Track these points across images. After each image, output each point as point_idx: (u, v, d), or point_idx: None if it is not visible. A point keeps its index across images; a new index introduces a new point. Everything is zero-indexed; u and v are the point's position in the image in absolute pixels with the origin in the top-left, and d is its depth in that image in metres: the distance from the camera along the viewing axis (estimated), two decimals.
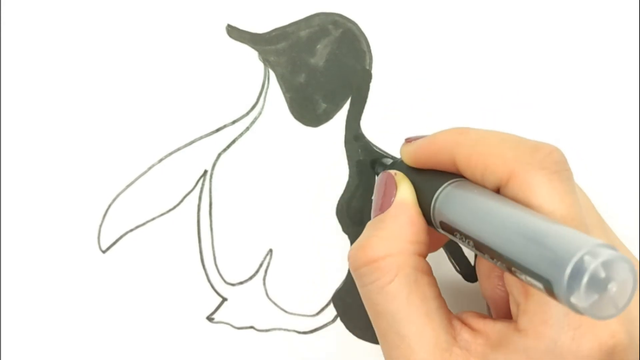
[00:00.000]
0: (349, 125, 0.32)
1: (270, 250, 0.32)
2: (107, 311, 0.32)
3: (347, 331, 0.32)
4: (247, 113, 0.32)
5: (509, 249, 0.19)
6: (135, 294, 0.32)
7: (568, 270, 0.17)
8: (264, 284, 0.32)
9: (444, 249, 0.32)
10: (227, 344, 0.32)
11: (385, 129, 0.32)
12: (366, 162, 0.32)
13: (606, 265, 0.17)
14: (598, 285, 0.17)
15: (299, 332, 0.32)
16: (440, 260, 0.32)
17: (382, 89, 0.32)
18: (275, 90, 0.32)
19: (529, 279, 0.18)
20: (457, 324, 0.23)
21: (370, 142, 0.32)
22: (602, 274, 0.17)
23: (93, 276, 0.32)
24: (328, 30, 0.32)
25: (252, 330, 0.32)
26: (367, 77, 0.32)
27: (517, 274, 0.19)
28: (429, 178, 0.25)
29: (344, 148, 0.32)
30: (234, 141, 0.32)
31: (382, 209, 0.25)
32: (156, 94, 0.31)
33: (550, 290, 0.17)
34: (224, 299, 0.32)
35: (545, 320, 0.21)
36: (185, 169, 0.32)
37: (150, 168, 0.32)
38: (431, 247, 0.26)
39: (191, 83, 0.32)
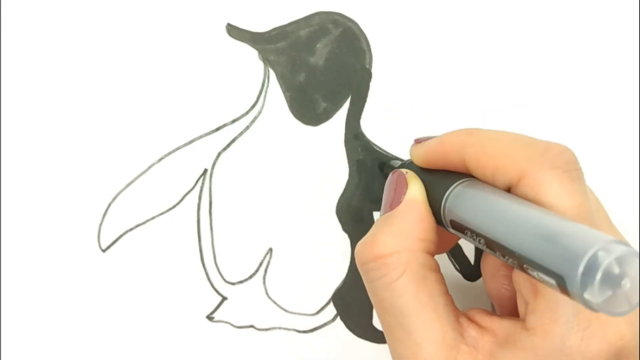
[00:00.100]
0: (349, 124, 0.32)
1: (270, 249, 0.32)
2: (107, 310, 0.32)
3: (347, 330, 0.32)
4: (247, 112, 0.32)
5: (521, 246, 0.19)
6: (135, 293, 0.32)
7: (582, 266, 0.17)
8: (264, 283, 0.32)
9: None
10: (227, 343, 0.32)
11: (385, 128, 0.32)
12: (366, 161, 0.32)
13: (620, 261, 0.17)
14: (612, 281, 0.17)
15: (299, 331, 0.32)
16: (439, 259, 0.32)
17: (382, 88, 0.32)
18: (275, 89, 0.32)
19: (541, 275, 0.18)
20: (464, 321, 0.24)
21: (370, 141, 0.32)
22: (616, 270, 0.17)
23: (93, 275, 0.31)
24: (328, 29, 0.32)
25: (252, 329, 0.32)
26: (367, 76, 0.32)
27: (529, 271, 0.19)
28: (439, 178, 0.25)
29: (343, 147, 0.32)
30: (234, 140, 0.32)
31: (392, 206, 0.25)
32: (156, 93, 0.31)
33: (563, 286, 0.18)
34: (224, 298, 0.32)
35: (555, 319, 0.21)
36: (185, 168, 0.32)
37: (150, 167, 0.31)
38: (440, 248, 0.26)
39: (191, 82, 0.31)
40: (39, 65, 0.31)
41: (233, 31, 0.31)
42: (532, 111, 0.32)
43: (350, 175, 0.32)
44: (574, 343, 0.21)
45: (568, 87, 0.32)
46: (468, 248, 0.32)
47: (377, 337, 0.32)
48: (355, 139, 0.32)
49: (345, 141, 0.32)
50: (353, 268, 0.32)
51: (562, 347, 0.21)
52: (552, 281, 0.18)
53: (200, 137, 0.32)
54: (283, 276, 0.32)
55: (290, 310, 0.32)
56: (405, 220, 0.24)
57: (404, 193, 0.25)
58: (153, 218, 0.32)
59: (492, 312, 0.25)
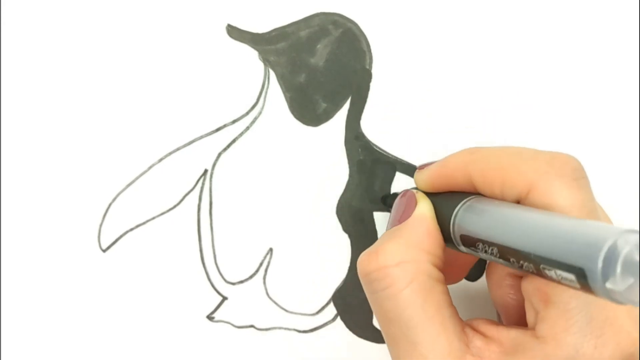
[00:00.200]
0: (349, 125, 0.32)
1: (271, 250, 0.32)
2: (107, 310, 0.32)
3: (347, 330, 0.32)
4: (247, 113, 0.32)
5: (537, 247, 0.19)
6: (136, 293, 0.32)
7: (602, 255, 0.17)
8: (264, 283, 0.32)
9: None
10: (227, 343, 0.32)
11: (385, 129, 0.32)
12: (366, 162, 0.32)
13: None
14: (633, 268, 0.17)
15: (299, 331, 0.32)
16: None
17: (382, 89, 0.32)
18: (275, 89, 0.32)
19: (559, 272, 0.18)
20: (469, 332, 0.23)
21: (371, 142, 0.32)
22: (637, 257, 0.17)
23: (93, 275, 0.32)
24: (328, 30, 0.32)
25: (252, 329, 0.32)
26: (367, 76, 0.32)
27: (547, 272, 0.19)
28: (446, 199, 0.25)
29: (344, 148, 0.32)
30: (234, 140, 0.32)
31: (401, 221, 0.25)
32: (157, 93, 0.31)
33: (583, 280, 0.17)
34: (224, 298, 0.32)
35: (567, 327, 0.21)
36: (186, 168, 0.32)
37: (150, 167, 0.32)
38: (450, 278, 0.26)
39: (191, 82, 0.32)
40: (40, 65, 0.31)
41: (233, 32, 0.32)
42: (532, 112, 0.32)
43: (350, 175, 0.32)
44: (587, 351, 0.21)
45: (568, 88, 0.32)
46: None
47: (377, 337, 0.32)
48: (355, 140, 0.32)
49: (345, 142, 0.32)
50: (353, 268, 0.32)
51: (575, 355, 0.21)
52: (572, 277, 0.18)
53: (201, 137, 0.32)
54: (283, 276, 0.32)
55: (290, 310, 0.32)
56: (414, 232, 0.24)
57: (413, 209, 0.25)
58: (153, 218, 0.32)
59: (498, 321, 0.25)
